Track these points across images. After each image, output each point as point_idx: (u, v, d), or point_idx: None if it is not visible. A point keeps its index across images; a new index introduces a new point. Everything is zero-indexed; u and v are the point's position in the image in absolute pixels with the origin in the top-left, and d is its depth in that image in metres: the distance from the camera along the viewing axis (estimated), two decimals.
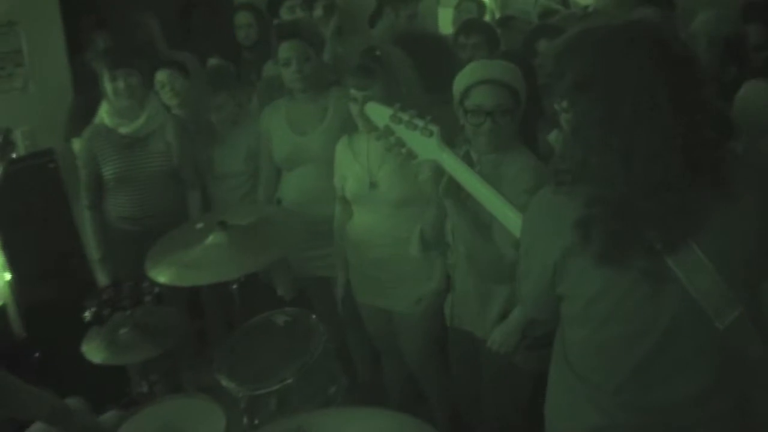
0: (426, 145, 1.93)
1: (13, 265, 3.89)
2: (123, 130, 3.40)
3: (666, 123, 1.41)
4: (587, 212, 1.49)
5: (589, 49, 1.50)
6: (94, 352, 2.77)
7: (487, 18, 4.91)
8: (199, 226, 2.92)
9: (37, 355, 3.55)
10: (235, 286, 2.93)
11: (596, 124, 1.47)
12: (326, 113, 3.14)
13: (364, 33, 4.37)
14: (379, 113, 2.04)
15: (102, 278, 3.50)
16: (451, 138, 2.17)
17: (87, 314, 2.79)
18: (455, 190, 1.98)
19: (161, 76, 3.65)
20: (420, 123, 1.94)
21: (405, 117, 1.96)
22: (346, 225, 3.00)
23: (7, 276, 3.91)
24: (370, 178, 2.79)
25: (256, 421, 2.56)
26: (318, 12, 4.10)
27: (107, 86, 3.35)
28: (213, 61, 4.22)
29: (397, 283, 2.86)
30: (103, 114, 3.44)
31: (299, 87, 3.12)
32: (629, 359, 1.57)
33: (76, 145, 3.72)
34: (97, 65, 3.56)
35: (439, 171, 1.96)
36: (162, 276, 2.72)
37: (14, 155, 3.26)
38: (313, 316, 2.78)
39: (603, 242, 1.47)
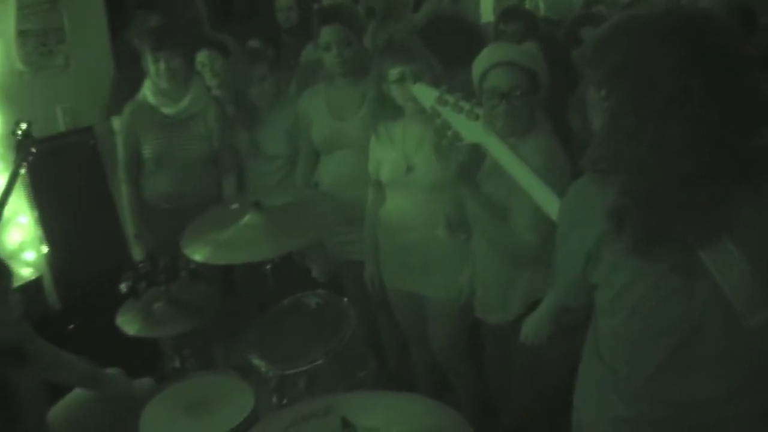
0: (471, 128, 1.96)
1: (50, 238, 3.97)
2: (166, 110, 3.44)
3: (700, 114, 1.39)
4: (620, 202, 1.48)
5: (625, 37, 1.50)
6: (128, 324, 2.82)
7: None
8: (235, 206, 2.95)
9: (71, 326, 3.61)
10: (268, 267, 2.96)
11: (629, 113, 1.46)
12: (366, 99, 3.13)
13: (405, 18, 4.37)
14: (426, 94, 2.06)
15: (137, 253, 3.55)
16: None
17: (123, 287, 2.84)
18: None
19: (201, 56, 3.67)
20: (466, 106, 1.96)
21: (451, 99, 1.98)
22: (379, 210, 3.01)
23: (44, 249, 3.99)
24: (407, 162, 2.80)
25: (285, 401, 2.59)
26: None
27: (150, 66, 3.38)
28: (253, 44, 4.24)
29: (429, 268, 2.86)
30: (147, 91, 3.48)
31: (339, 71, 3.14)
32: (656, 352, 1.56)
33: (116, 123, 3.76)
34: (139, 44, 3.60)
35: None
36: (197, 253, 2.74)
37: (33, 150, 3.34)
38: (345, 300, 2.81)
39: (635, 233, 1.46)
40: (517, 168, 1.89)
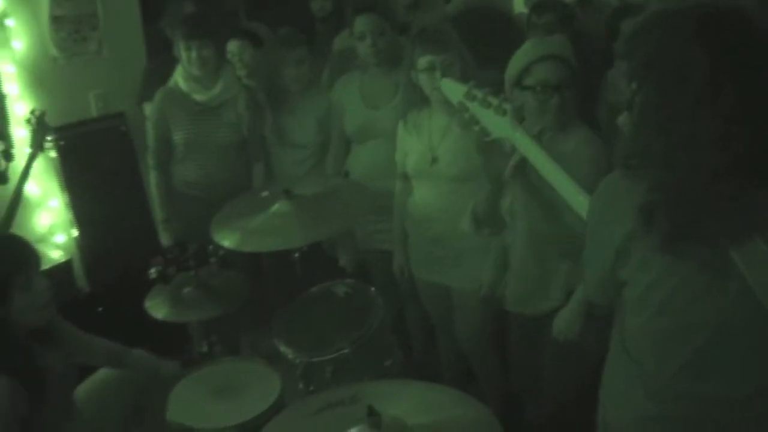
0: (499, 123, 1.92)
1: (80, 222, 4.01)
2: (197, 97, 3.45)
3: (729, 110, 1.37)
4: (650, 198, 1.46)
5: (656, 30, 1.48)
6: (157, 308, 2.85)
7: None
8: (265, 194, 2.97)
9: (100, 309, 3.65)
10: (297, 255, 2.97)
11: (659, 107, 1.45)
12: (399, 88, 3.14)
13: (438, 8, 4.35)
14: (454, 89, 2.04)
15: (165, 239, 3.57)
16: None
17: (152, 272, 2.86)
18: (523, 170, 1.97)
19: (232, 46, 3.68)
20: (494, 101, 1.93)
21: (479, 94, 1.95)
22: (407, 201, 3.01)
23: (74, 232, 4.03)
24: (432, 153, 2.80)
25: (311, 388, 2.60)
26: None
27: (182, 54, 3.39)
28: (283, 32, 4.23)
29: (456, 260, 2.87)
30: (178, 78, 3.49)
31: (373, 61, 3.14)
32: (682, 350, 1.55)
33: (148, 109, 3.79)
34: (172, 32, 3.62)
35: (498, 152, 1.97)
36: (227, 240, 2.77)
37: (49, 138, 3.38)
38: (373, 289, 2.82)
39: (664, 230, 1.44)
40: (546, 164, 1.87)
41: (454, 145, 2.70)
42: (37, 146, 3.38)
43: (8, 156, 3.17)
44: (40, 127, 3.39)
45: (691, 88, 1.39)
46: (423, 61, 2.71)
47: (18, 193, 3.16)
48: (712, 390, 1.54)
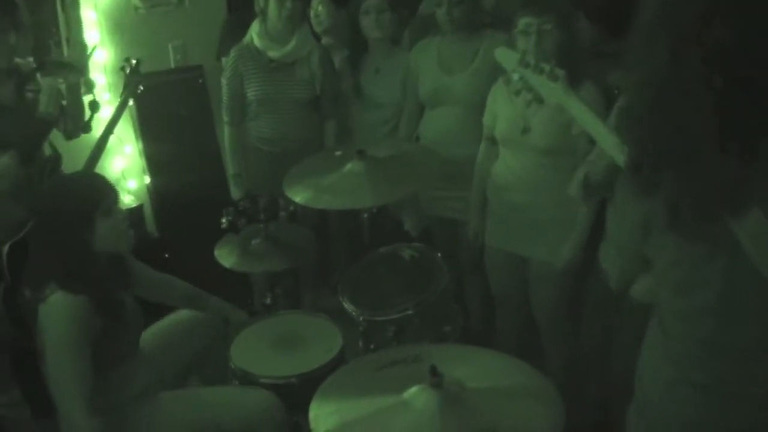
0: (552, 88, 1.98)
1: (152, 169, 4.11)
2: (272, 53, 3.46)
3: (735, 78, 1.31)
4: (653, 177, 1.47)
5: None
6: (225, 256, 2.92)
7: None
8: (338, 153, 2.99)
9: (167, 255, 3.74)
10: (365, 216, 3.00)
11: (661, 74, 1.40)
12: (476, 55, 3.12)
13: None
14: (508, 57, 2.09)
15: (235, 192, 3.62)
16: None
17: (224, 222, 2.93)
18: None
19: (315, 2, 3.71)
20: (546, 68, 1.99)
21: (532, 61, 2.01)
22: (491, 167, 2.98)
23: (147, 179, 4.13)
24: (524, 122, 2.76)
25: (372, 346, 2.64)
26: None
27: (272, 6, 3.38)
28: None
29: (538, 231, 2.83)
30: (253, 34, 3.50)
31: (449, 28, 3.12)
32: (700, 330, 1.55)
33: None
34: None
35: None
36: (298, 196, 2.80)
37: (141, 87, 3.44)
38: (439, 255, 2.84)
39: (666, 209, 1.44)
40: (599, 129, 1.90)
41: (548, 117, 2.65)
42: (130, 94, 3.43)
43: (94, 106, 3.24)
44: (133, 76, 3.45)
45: (696, 47, 1.33)
46: (521, 23, 2.68)
47: (104, 139, 3.22)
48: (729, 365, 1.54)
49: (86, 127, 3.23)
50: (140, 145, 4.11)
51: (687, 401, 1.61)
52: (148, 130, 4.08)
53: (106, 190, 2.40)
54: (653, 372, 1.71)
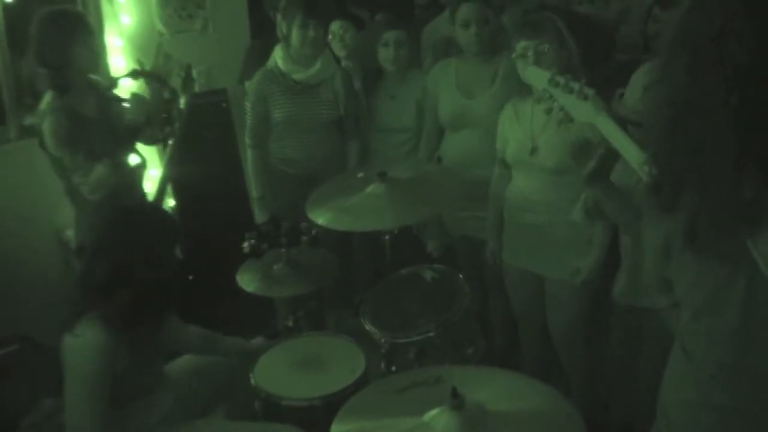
0: (582, 108, 1.98)
1: (177, 192, 4.15)
2: (297, 76, 3.50)
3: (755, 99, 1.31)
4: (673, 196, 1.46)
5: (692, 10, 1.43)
6: (247, 281, 2.94)
7: None
8: (360, 175, 3.01)
9: (191, 278, 3.76)
10: (387, 237, 3.01)
11: (682, 90, 1.40)
12: (496, 77, 3.15)
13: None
14: (538, 76, 2.11)
15: (259, 216, 3.64)
16: None
17: (246, 246, 2.95)
18: (602, 176, 1.99)
19: (334, 26, 3.75)
20: (576, 86, 1.99)
21: (561, 80, 2.02)
22: (505, 189, 3.00)
23: (171, 202, 4.17)
24: (532, 143, 2.79)
25: (394, 368, 2.64)
26: None
27: (295, 32, 3.42)
28: (379, 17, 4.27)
29: (553, 250, 2.85)
30: (277, 58, 3.55)
31: (475, 50, 3.14)
32: (720, 353, 1.54)
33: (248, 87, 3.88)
34: (283, 13, 3.65)
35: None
36: (321, 218, 2.82)
37: (197, 89, 3.46)
38: (460, 276, 2.84)
39: (685, 228, 1.43)
40: (628, 147, 1.89)
41: (555, 137, 2.69)
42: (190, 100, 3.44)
43: (180, 113, 3.31)
44: (187, 78, 3.46)
45: (718, 66, 1.33)
46: (519, 47, 2.71)
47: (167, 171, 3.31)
48: (752, 388, 1.52)
49: (171, 134, 3.31)
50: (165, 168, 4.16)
51: (710, 425, 1.60)
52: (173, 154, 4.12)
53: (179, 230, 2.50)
54: (676, 395, 1.71)
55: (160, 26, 4.09)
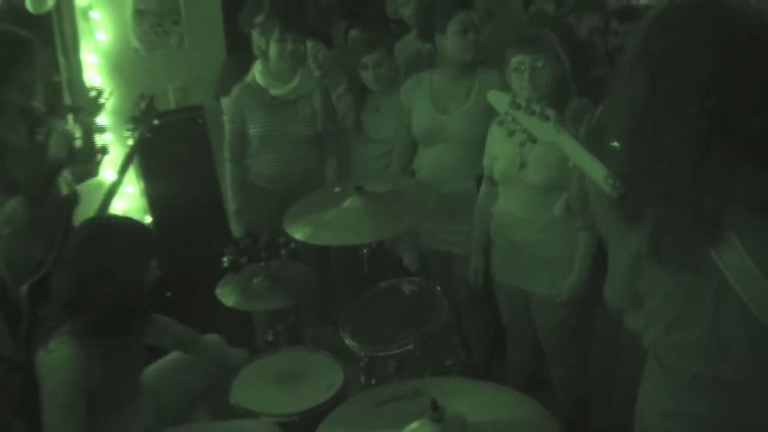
0: (543, 128, 2.04)
1: (154, 209, 4.12)
2: (274, 91, 3.50)
3: (726, 109, 1.35)
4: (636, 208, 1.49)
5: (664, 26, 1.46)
6: (227, 295, 2.94)
7: None
8: (337, 189, 3.02)
9: (168, 294, 3.74)
10: (365, 251, 3.02)
11: (649, 103, 1.43)
12: (470, 93, 3.16)
13: (512, 17, 4.37)
14: (500, 100, 2.17)
15: (236, 229, 3.63)
16: None
17: (225, 261, 2.94)
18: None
19: (309, 48, 3.76)
20: (537, 108, 2.05)
21: (522, 103, 2.08)
22: (491, 207, 2.99)
23: (148, 219, 4.15)
24: (521, 159, 2.77)
25: (373, 382, 2.64)
26: None
27: (272, 47, 3.43)
28: (354, 33, 4.28)
29: (541, 266, 2.85)
30: (256, 73, 3.55)
31: (470, 57, 3.13)
32: (693, 365, 1.57)
33: (224, 103, 3.87)
34: (262, 28, 3.65)
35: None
36: (298, 233, 2.83)
37: (156, 122, 3.44)
38: (438, 289, 2.85)
39: (649, 240, 1.46)
40: (591, 163, 1.93)
41: (544, 154, 2.68)
42: (146, 130, 3.37)
43: (104, 150, 3.24)
44: (149, 111, 3.41)
45: (685, 82, 1.37)
46: (513, 61, 2.71)
47: (120, 180, 3.21)
48: (726, 397, 1.55)
49: (95, 171, 3.25)
50: (141, 184, 4.14)
51: None
52: (149, 171, 4.10)
53: (154, 243, 2.48)
54: (652, 404, 1.72)
55: (135, 43, 4.07)
